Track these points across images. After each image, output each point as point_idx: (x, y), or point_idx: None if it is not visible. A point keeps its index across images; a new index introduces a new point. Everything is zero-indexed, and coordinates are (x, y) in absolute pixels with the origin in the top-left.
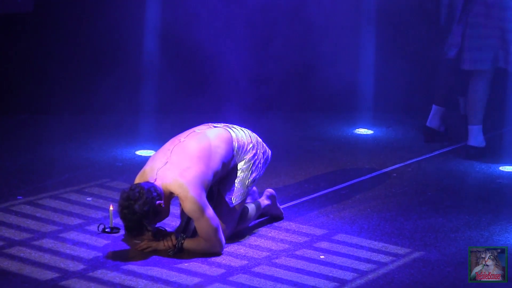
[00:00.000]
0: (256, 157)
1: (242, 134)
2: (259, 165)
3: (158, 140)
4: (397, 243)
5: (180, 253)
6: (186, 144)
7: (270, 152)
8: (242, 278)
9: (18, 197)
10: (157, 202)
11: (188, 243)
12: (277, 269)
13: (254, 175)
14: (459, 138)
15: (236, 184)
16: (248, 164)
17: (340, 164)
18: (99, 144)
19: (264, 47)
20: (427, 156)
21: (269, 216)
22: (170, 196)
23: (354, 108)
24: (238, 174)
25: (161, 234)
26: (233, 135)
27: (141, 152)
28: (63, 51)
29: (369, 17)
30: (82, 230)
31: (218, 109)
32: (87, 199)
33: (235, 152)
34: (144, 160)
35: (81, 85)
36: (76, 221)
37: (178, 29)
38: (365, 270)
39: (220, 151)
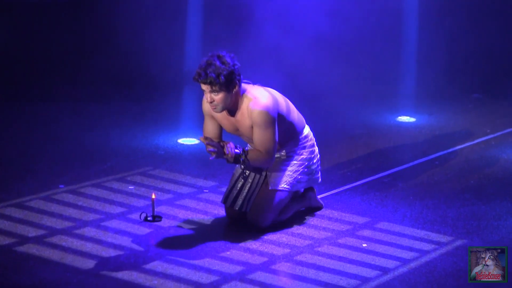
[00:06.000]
0: (312, 162)
1: (311, 133)
2: (310, 173)
3: (201, 128)
4: (439, 231)
5: (244, 162)
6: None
7: (320, 178)
8: (284, 267)
9: (60, 186)
10: (237, 82)
11: (250, 154)
12: (320, 257)
13: (301, 177)
14: (502, 126)
15: (285, 175)
16: (302, 162)
17: (382, 151)
18: (142, 132)
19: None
20: (470, 143)
21: (309, 207)
22: (238, 102)
23: (396, 95)
24: (288, 168)
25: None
26: (306, 125)
27: (184, 141)
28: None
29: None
30: (124, 218)
31: None
32: (129, 187)
33: (301, 136)
34: (186, 148)
35: (123, 73)
36: (118, 209)
37: None
38: (407, 258)
39: (293, 115)
